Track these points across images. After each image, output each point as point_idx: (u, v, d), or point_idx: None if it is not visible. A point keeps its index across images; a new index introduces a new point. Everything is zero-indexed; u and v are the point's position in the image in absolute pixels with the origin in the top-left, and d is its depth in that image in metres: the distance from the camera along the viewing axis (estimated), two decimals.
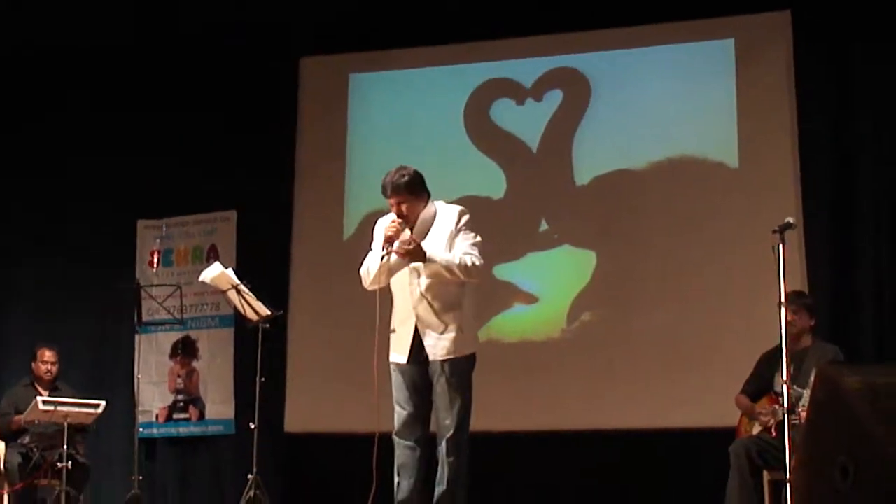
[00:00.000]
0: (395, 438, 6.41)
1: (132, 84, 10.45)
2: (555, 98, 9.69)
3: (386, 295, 6.46)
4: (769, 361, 7.36)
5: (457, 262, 6.20)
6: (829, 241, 8.78)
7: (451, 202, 6.60)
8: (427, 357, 6.30)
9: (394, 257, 6.26)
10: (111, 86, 10.49)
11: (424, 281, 6.27)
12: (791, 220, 6.23)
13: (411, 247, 6.15)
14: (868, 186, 8.76)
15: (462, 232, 6.33)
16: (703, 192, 9.17)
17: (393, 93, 10.11)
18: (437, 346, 6.27)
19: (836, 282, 8.71)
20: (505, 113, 9.78)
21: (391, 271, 6.34)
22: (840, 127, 8.90)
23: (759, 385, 7.47)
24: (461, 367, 6.32)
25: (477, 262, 6.25)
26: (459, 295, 6.34)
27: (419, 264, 6.23)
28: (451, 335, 6.26)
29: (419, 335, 6.30)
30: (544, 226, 9.55)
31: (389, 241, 6.22)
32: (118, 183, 10.38)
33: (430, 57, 10.05)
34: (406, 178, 6.30)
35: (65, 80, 10.59)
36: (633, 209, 9.35)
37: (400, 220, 6.26)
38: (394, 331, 6.42)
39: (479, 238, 6.35)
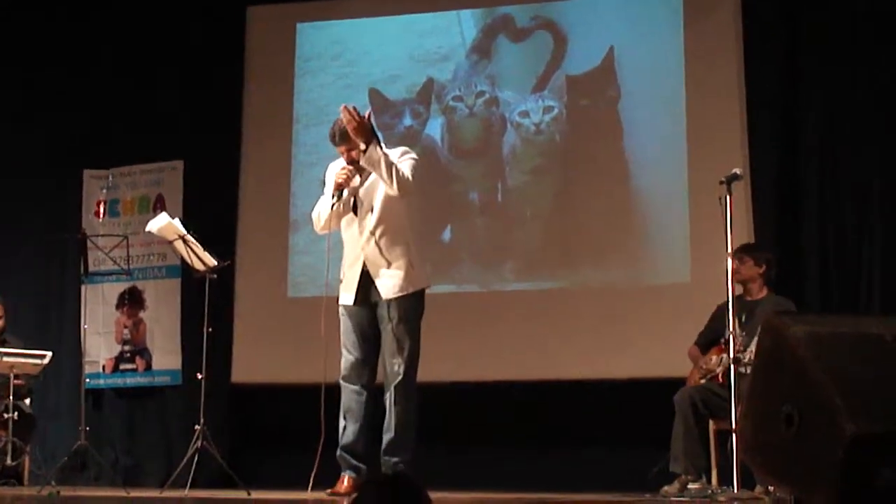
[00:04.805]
0: (342, 383, 6.48)
1: (78, 33, 10.32)
2: (503, 47, 9.65)
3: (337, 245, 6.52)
4: (723, 312, 7.38)
5: (393, 162, 6.26)
6: (776, 192, 8.81)
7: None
8: (376, 299, 6.34)
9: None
10: (56, 34, 10.35)
11: (371, 220, 6.36)
12: (738, 171, 6.27)
13: (359, 122, 6.17)
14: (814, 138, 8.78)
15: (403, 155, 6.41)
16: (650, 142, 9.17)
17: (340, 43, 10.02)
18: (388, 284, 6.34)
19: (782, 233, 8.75)
20: (452, 63, 9.73)
21: (341, 215, 6.43)
22: (788, 77, 8.91)
23: (713, 336, 7.43)
24: (411, 308, 6.39)
25: (408, 175, 6.30)
26: (406, 232, 6.43)
27: (366, 216, 6.35)
28: (401, 272, 6.36)
29: (368, 275, 6.35)
30: (489, 178, 9.53)
31: (339, 187, 6.30)
32: (64, 133, 10.27)
33: (378, 7, 9.97)
34: None
35: (14, 29, 10.46)
36: (579, 160, 9.34)
37: (350, 168, 6.31)
38: (344, 275, 6.47)
39: (415, 163, 6.42)
